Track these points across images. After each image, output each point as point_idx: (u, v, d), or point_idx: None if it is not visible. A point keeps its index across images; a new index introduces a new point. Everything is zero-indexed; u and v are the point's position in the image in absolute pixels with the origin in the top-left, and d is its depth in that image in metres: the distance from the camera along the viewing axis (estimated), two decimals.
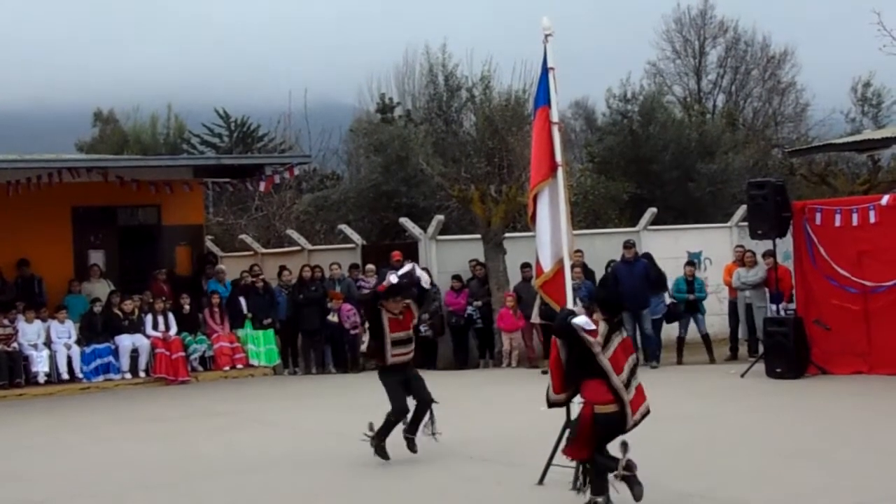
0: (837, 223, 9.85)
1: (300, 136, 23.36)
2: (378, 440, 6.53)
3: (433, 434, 6.61)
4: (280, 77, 39.89)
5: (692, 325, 11.78)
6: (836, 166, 18.19)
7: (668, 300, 11.63)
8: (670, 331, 11.85)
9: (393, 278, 6.69)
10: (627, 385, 5.05)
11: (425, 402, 6.59)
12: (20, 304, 11.92)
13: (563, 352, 5.26)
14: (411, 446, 6.56)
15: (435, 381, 11.73)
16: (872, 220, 9.66)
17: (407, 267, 6.98)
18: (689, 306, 11.65)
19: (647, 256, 12.03)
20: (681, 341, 11.65)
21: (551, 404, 5.45)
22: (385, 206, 17.23)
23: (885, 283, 9.51)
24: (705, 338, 11.67)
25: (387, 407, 6.60)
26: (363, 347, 7.39)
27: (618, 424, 5.06)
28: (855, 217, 9.73)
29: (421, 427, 6.60)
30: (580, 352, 5.07)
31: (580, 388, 5.18)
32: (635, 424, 5.11)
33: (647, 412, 5.19)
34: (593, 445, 5.10)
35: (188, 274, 13.93)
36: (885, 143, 15.22)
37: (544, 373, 11.23)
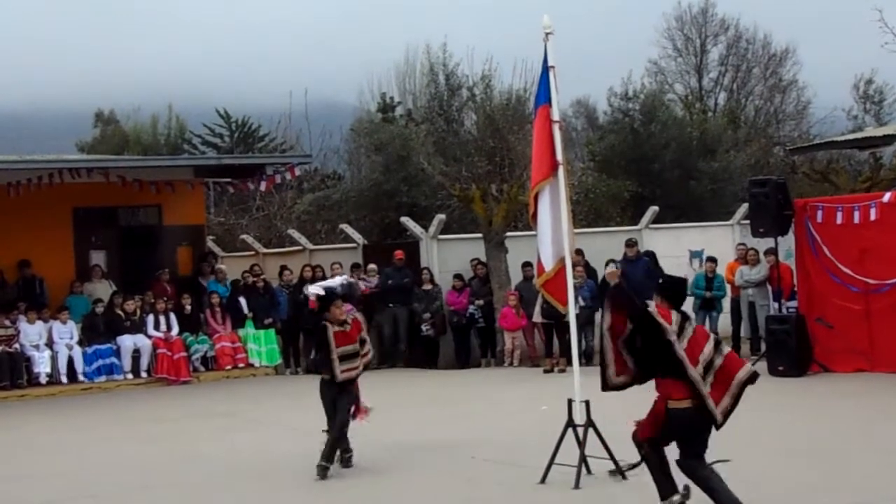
0: (839, 221, 9.84)
1: (301, 136, 23.36)
2: (324, 461, 6.15)
3: (344, 460, 6.28)
4: (281, 77, 39.87)
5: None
6: (838, 164, 18.14)
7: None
8: None
9: (316, 289, 6.35)
10: (704, 377, 4.65)
11: (339, 424, 6.20)
12: (22, 304, 11.91)
13: (636, 343, 4.83)
14: (322, 474, 6.10)
15: (437, 380, 11.77)
16: (874, 217, 9.64)
17: (338, 279, 6.74)
18: (706, 303, 11.61)
19: (650, 255, 12.00)
20: None
21: (610, 387, 5.02)
22: (386, 205, 17.21)
23: (887, 280, 9.49)
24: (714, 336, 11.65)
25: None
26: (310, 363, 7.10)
27: (695, 420, 4.66)
28: (856, 215, 9.71)
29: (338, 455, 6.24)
30: (653, 344, 4.70)
31: (656, 386, 4.84)
32: (725, 419, 4.72)
33: (740, 392, 4.76)
34: (658, 433, 4.78)
35: (190, 274, 13.93)
36: (887, 140, 15.18)
37: (546, 372, 11.30)
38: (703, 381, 4.65)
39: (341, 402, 6.28)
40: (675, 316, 4.74)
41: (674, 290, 4.91)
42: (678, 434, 4.74)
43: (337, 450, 6.25)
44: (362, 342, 6.40)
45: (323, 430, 6.27)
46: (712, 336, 4.86)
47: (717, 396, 4.69)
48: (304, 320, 12.61)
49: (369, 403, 6.52)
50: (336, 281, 6.69)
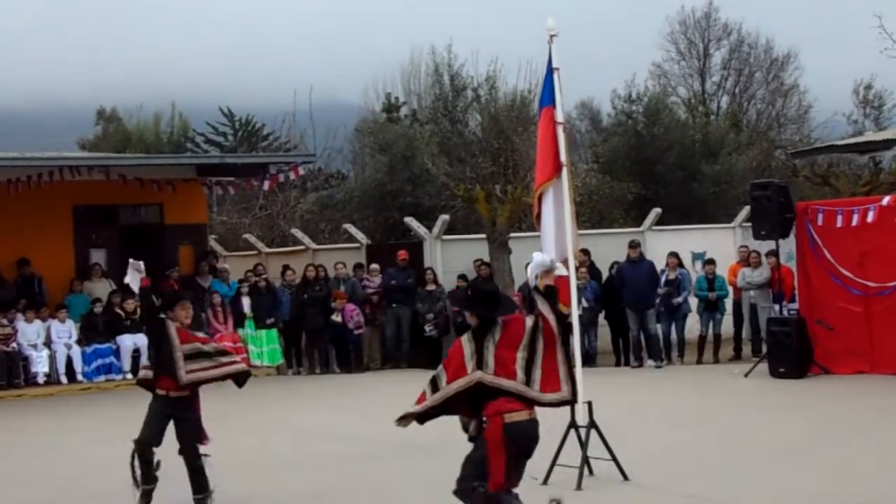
0: (839, 224, 9.85)
1: (305, 136, 23.34)
2: (137, 482, 5.39)
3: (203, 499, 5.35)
4: (285, 76, 39.91)
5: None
6: (839, 168, 18.14)
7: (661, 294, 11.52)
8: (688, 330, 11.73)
9: (130, 280, 5.42)
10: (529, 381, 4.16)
11: (191, 456, 5.32)
12: (21, 302, 11.84)
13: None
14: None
15: None
16: (873, 220, 9.65)
17: (133, 271, 5.47)
18: (709, 305, 11.60)
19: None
20: (702, 340, 11.60)
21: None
22: (390, 205, 17.21)
23: (888, 283, 9.50)
24: (716, 338, 11.64)
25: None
26: (141, 373, 5.62)
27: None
28: (856, 218, 9.73)
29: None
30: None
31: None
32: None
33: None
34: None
35: (192, 273, 13.92)
36: (887, 144, 15.21)
37: None
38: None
39: (182, 430, 5.33)
40: (467, 346, 4.20)
41: (481, 301, 4.35)
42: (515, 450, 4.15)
43: (205, 481, 5.35)
44: (221, 352, 5.57)
45: (133, 440, 5.41)
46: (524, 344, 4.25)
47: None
48: (307, 321, 12.67)
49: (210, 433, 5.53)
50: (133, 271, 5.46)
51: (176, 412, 5.36)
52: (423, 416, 4.35)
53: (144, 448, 5.38)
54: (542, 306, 4.35)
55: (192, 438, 5.38)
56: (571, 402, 4.38)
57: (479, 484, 4.12)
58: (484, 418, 4.16)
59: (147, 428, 5.38)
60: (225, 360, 5.51)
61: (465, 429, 4.30)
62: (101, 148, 25.24)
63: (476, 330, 4.27)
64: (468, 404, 4.24)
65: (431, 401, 4.27)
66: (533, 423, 4.19)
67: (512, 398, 4.14)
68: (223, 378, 5.53)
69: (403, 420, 4.35)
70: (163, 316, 5.39)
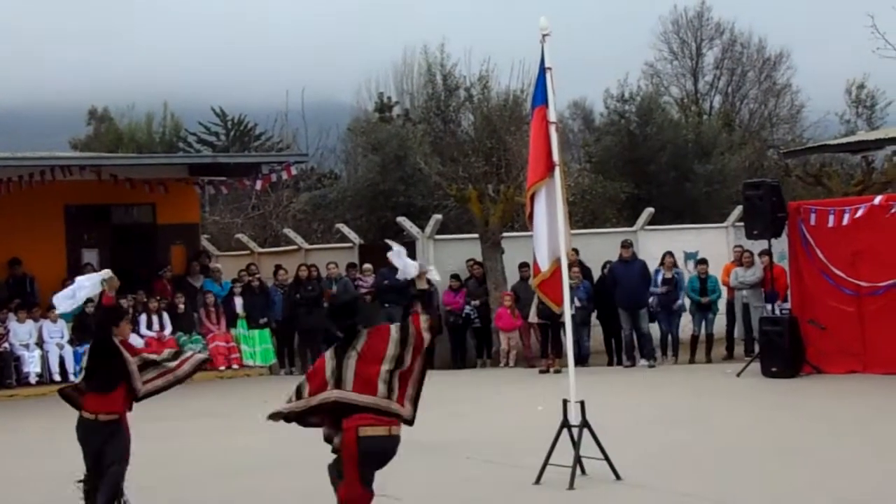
0: (831, 223, 9.88)
1: (297, 135, 23.31)
2: None
3: None
4: (277, 75, 39.80)
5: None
6: (831, 167, 18.22)
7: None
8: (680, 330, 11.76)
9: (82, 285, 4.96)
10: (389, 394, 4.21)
11: (114, 478, 4.99)
12: (15, 302, 11.80)
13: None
14: None
15: (432, 380, 11.71)
16: (865, 220, 9.68)
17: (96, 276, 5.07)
18: (701, 305, 11.60)
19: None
20: (695, 339, 11.63)
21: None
22: (383, 205, 17.21)
23: (880, 283, 9.53)
24: (709, 337, 11.68)
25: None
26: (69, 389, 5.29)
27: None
28: (848, 217, 9.76)
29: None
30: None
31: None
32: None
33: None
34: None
35: (183, 273, 13.89)
36: (879, 144, 15.27)
37: (542, 372, 11.31)
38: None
39: (111, 448, 4.98)
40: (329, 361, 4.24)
41: (339, 312, 4.43)
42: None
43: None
44: (169, 357, 5.30)
45: (77, 482, 5.13)
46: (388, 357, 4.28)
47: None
48: (300, 321, 12.64)
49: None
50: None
51: (106, 437, 5.01)
52: (289, 418, 4.44)
53: (95, 482, 5.02)
54: (422, 317, 4.37)
55: (121, 459, 5.02)
56: (409, 423, 4.37)
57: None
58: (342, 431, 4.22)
59: (87, 466, 5.05)
60: (174, 363, 5.23)
61: (328, 440, 4.37)
62: (93, 148, 25.16)
63: (340, 343, 4.32)
64: (331, 417, 4.30)
65: (294, 406, 4.38)
66: (389, 439, 4.25)
67: (369, 413, 4.20)
68: (179, 381, 5.29)
69: (273, 417, 4.48)
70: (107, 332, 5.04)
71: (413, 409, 4.36)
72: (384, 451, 4.27)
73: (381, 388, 4.22)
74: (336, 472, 4.34)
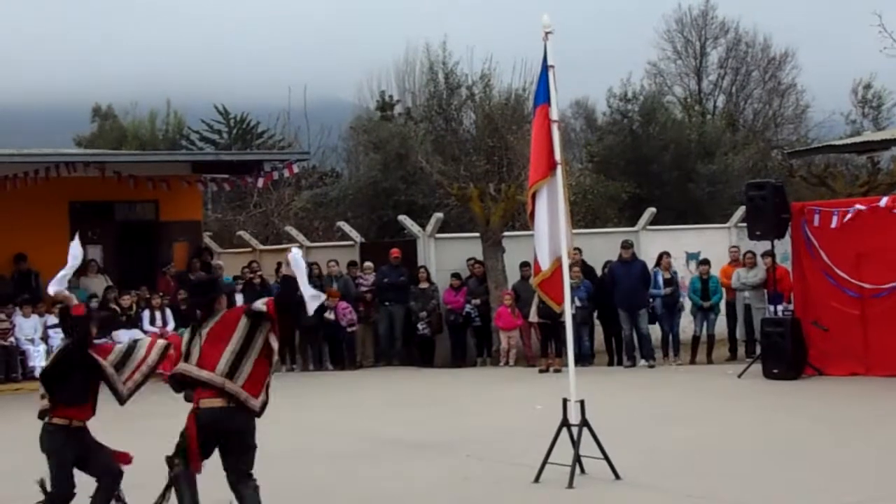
0: (835, 225, 9.84)
1: (299, 133, 23.32)
2: None
3: None
4: (280, 74, 39.84)
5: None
6: (836, 168, 18.16)
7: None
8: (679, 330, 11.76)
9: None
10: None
11: (113, 480, 4.81)
12: (23, 296, 11.88)
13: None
14: None
15: (432, 379, 11.76)
16: (870, 221, 9.65)
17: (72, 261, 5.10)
18: (704, 307, 11.60)
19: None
20: (696, 340, 11.62)
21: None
22: (384, 203, 17.22)
23: (884, 285, 9.50)
24: (710, 338, 11.67)
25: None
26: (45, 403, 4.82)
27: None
28: (853, 219, 9.73)
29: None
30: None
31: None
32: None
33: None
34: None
35: (186, 269, 13.92)
36: (885, 144, 15.21)
37: (542, 371, 11.31)
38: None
39: (94, 458, 4.79)
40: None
41: (199, 292, 4.66)
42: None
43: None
44: (130, 350, 5.12)
45: (43, 489, 4.81)
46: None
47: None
48: (301, 318, 12.65)
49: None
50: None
51: (81, 444, 4.77)
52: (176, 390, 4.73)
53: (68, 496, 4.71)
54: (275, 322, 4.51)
55: (110, 464, 4.83)
56: (257, 414, 4.55)
57: (178, 461, 4.58)
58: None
59: (60, 481, 4.72)
60: (143, 353, 5.07)
61: (188, 399, 4.63)
62: (97, 145, 25.22)
63: (196, 321, 4.63)
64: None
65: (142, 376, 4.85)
66: (227, 411, 4.42)
67: (210, 388, 4.44)
68: (152, 371, 5.14)
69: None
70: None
71: (265, 397, 4.53)
72: (218, 421, 4.44)
73: (222, 366, 4.44)
74: (180, 438, 4.59)
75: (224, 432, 4.48)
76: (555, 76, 6.04)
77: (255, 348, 4.47)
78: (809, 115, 25.72)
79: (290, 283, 4.68)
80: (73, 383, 4.80)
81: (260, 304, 4.53)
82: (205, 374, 4.45)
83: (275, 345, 4.50)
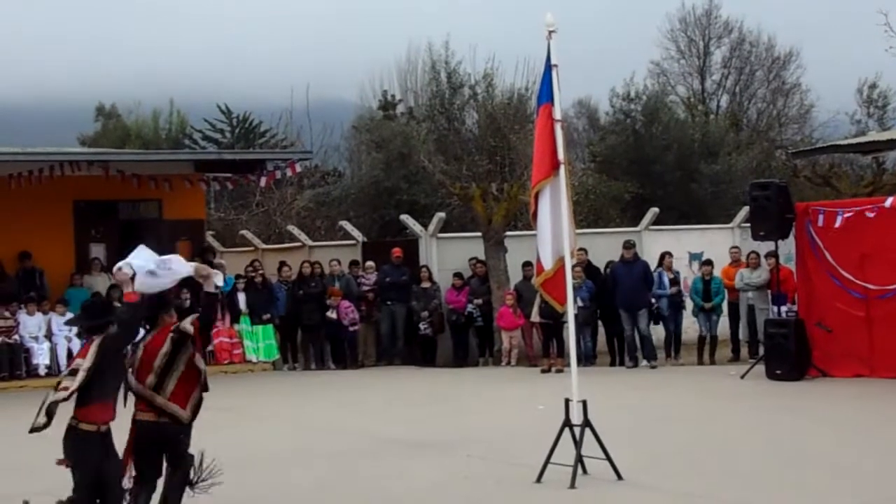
0: (840, 225, 9.81)
1: (302, 133, 23.32)
2: None
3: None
4: (282, 73, 39.86)
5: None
6: (841, 168, 18.11)
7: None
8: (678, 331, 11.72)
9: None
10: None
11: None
12: (29, 294, 11.88)
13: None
14: None
15: (434, 378, 11.76)
16: (875, 222, 9.62)
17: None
18: (706, 308, 11.57)
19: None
20: (701, 341, 11.61)
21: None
22: (386, 203, 17.22)
23: (889, 286, 9.46)
24: (713, 339, 11.64)
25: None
26: (58, 396, 4.46)
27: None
28: (857, 219, 9.69)
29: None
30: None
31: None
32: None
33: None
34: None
35: None
36: (890, 145, 15.14)
37: (544, 371, 11.30)
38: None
39: (111, 464, 4.53)
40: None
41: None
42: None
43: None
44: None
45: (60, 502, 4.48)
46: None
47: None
48: (303, 317, 12.66)
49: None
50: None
51: (105, 450, 4.51)
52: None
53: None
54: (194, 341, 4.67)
55: (118, 473, 4.63)
56: (186, 425, 4.76)
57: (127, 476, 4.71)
58: None
59: (81, 490, 4.45)
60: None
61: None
62: (101, 144, 25.27)
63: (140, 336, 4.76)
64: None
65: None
66: (156, 425, 4.65)
67: (143, 400, 4.68)
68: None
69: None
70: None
71: (193, 413, 4.74)
72: (150, 434, 4.66)
73: (150, 379, 4.65)
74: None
75: (157, 443, 4.72)
76: (558, 75, 6.02)
77: (178, 368, 4.66)
78: (814, 115, 25.66)
79: (211, 299, 4.87)
80: (109, 374, 4.49)
81: (187, 324, 4.66)
82: (137, 387, 4.67)
83: (201, 365, 4.71)
